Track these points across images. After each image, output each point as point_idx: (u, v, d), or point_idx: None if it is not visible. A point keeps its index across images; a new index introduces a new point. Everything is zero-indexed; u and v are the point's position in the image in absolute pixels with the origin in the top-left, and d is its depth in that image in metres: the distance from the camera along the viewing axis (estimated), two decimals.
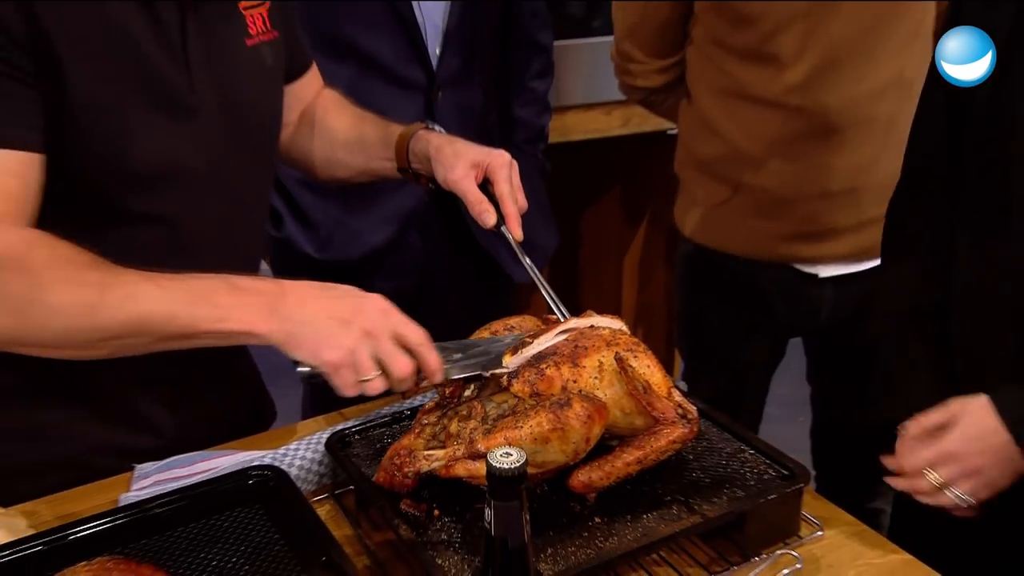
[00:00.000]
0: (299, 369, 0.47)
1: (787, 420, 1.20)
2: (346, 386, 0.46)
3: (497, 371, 0.51)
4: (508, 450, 0.31)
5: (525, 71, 1.09)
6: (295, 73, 0.70)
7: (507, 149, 0.66)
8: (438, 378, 0.49)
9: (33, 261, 0.45)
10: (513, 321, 0.59)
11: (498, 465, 0.30)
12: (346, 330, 0.45)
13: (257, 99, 0.61)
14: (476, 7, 0.97)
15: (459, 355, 0.53)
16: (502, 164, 0.61)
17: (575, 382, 0.47)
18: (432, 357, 0.48)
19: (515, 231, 0.60)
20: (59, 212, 0.50)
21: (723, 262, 0.94)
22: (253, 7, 0.59)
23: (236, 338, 0.48)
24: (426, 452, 0.48)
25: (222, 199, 0.58)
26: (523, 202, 0.62)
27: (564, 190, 1.30)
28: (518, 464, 0.30)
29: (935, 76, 0.60)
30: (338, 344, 0.45)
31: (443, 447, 0.49)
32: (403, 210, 0.97)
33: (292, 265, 1.00)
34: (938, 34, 0.65)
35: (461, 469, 0.47)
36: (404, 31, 0.92)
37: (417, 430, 0.52)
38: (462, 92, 0.98)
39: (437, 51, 0.95)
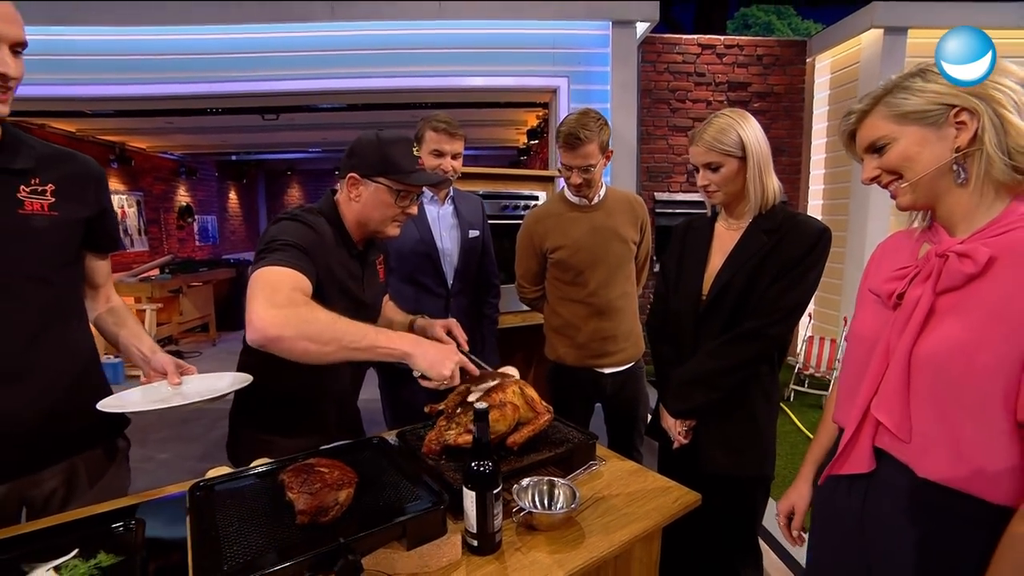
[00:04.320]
0: (419, 376, 1.08)
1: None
2: (441, 383, 1.05)
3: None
4: (482, 405, 1.02)
5: (488, 292, 2.12)
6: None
7: (482, 320, 1.74)
8: (476, 372, 1.14)
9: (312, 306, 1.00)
10: (475, 380, 1.31)
11: (479, 408, 1.00)
12: (447, 359, 1.05)
13: (378, 305, 1.37)
14: (467, 264, 1.98)
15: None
16: (455, 325, 1.38)
17: (504, 396, 1.20)
18: (470, 368, 1.11)
19: (463, 347, 1.31)
20: None
21: (562, 367, 1.90)
22: (380, 264, 1.40)
23: (395, 356, 1.00)
24: (446, 434, 1.16)
25: None
26: (464, 339, 1.36)
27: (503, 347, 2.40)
28: (484, 408, 1.00)
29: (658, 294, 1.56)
30: (445, 365, 1.03)
31: (452, 432, 1.17)
32: None
33: (383, 368, 1.93)
34: (634, 278, 1.88)
35: (461, 440, 1.15)
36: (435, 273, 1.92)
37: (438, 429, 1.19)
38: (462, 299, 1.98)
39: (450, 281, 1.93)
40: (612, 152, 1.82)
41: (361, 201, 1.24)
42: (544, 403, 1.24)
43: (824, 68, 4.94)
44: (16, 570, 0.79)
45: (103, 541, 0.88)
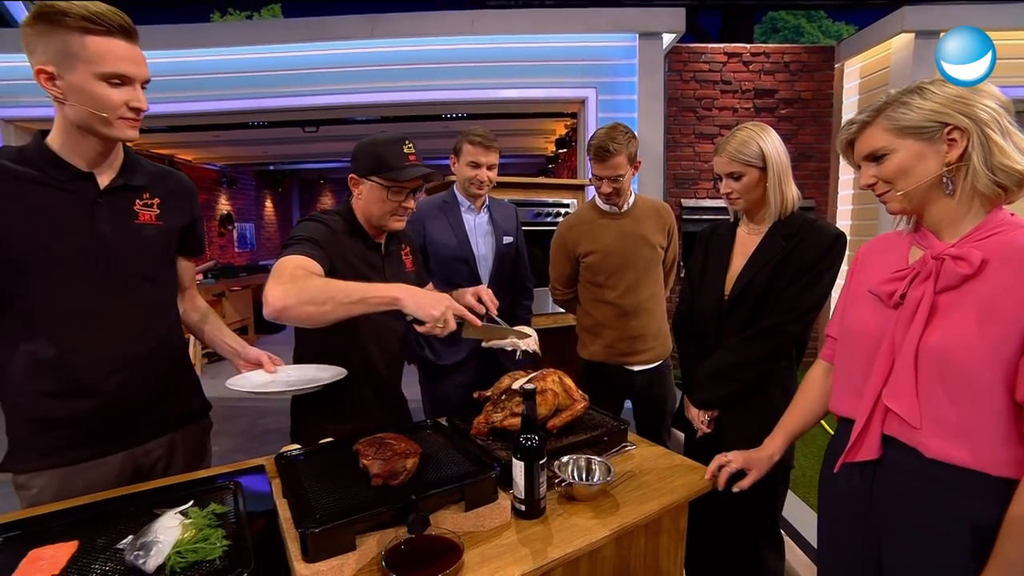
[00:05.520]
0: (412, 321, 1.10)
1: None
2: (433, 327, 1.07)
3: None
4: (531, 386, 1.15)
5: (521, 295, 2.26)
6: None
7: (515, 321, 1.85)
8: (477, 324, 1.19)
9: (310, 277, 1.14)
10: (518, 373, 1.45)
11: (528, 387, 1.13)
12: (439, 302, 1.07)
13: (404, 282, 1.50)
14: (500, 269, 2.13)
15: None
16: (485, 291, 1.37)
17: (544, 384, 1.33)
18: (470, 318, 1.16)
19: (492, 312, 1.33)
20: None
21: (594, 365, 2.01)
22: (406, 257, 1.53)
23: (385, 303, 1.05)
24: (493, 416, 1.30)
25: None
26: (494, 305, 1.34)
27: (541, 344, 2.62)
28: (532, 388, 1.13)
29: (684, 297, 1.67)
30: (435, 307, 1.06)
31: (499, 415, 1.31)
32: (466, 349, 2.08)
33: (422, 365, 2.11)
34: (663, 281, 2.02)
35: (507, 422, 1.28)
36: (471, 276, 2.07)
37: (485, 412, 1.33)
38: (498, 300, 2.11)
39: (485, 284, 2.01)
40: (640, 163, 1.95)
41: (363, 198, 1.39)
42: (580, 391, 1.37)
43: (853, 73, 4.96)
44: (150, 513, 0.97)
45: (212, 496, 1.05)
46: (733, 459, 1.22)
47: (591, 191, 2.19)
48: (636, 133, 1.93)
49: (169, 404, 1.27)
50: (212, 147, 7.54)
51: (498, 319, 1.32)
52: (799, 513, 2.61)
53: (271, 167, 10.26)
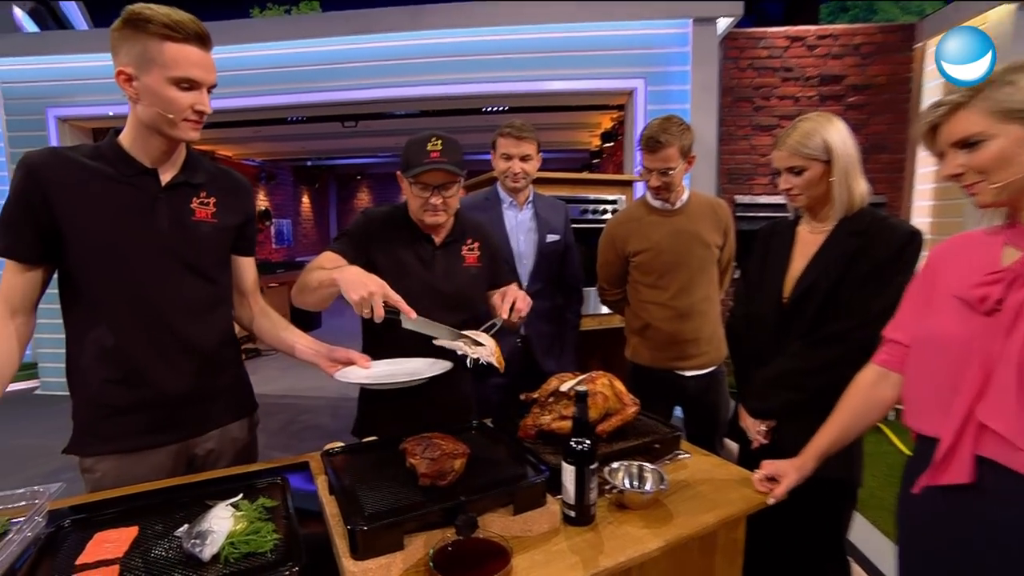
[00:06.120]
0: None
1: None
2: (360, 311, 1.16)
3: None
4: (583, 388, 1.17)
5: (570, 296, 2.26)
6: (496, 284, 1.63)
7: (562, 327, 2.01)
8: (412, 316, 1.21)
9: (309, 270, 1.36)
10: (565, 375, 1.46)
11: (580, 390, 1.15)
12: (363, 285, 1.15)
13: (465, 290, 1.52)
14: (542, 268, 2.14)
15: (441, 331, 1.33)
16: (512, 291, 1.41)
17: (594, 387, 1.34)
18: (404, 309, 1.19)
19: (501, 315, 1.38)
20: None
21: (642, 369, 2.02)
22: (469, 255, 1.57)
23: (330, 285, 1.23)
24: (541, 419, 1.32)
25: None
26: (504, 308, 1.38)
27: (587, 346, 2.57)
28: (584, 390, 1.15)
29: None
30: (355, 290, 1.15)
31: (547, 417, 1.32)
32: (508, 347, 2.07)
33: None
34: (718, 282, 2.00)
35: (555, 425, 1.30)
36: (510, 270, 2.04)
37: (532, 414, 1.35)
38: (540, 301, 2.07)
39: (525, 283, 2.07)
40: (695, 158, 1.93)
41: (405, 194, 1.50)
42: (631, 396, 1.37)
43: None
44: (202, 503, 1.03)
45: (261, 490, 1.12)
46: (764, 467, 1.19)
47: (640, 188, 2.18)
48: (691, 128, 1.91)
49: (220, 399, 1.35)
50: (251, 143, 7.86)
51: (494, 324, 1.40)
52: (868, 537, 2.52)
53: (309, 163, 10.61)
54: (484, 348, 1.31)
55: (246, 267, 1.48)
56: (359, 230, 1.50)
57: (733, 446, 1.74)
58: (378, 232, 1.51)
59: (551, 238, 2.21)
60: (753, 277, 1.62)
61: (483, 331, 1.36)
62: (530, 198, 2.22)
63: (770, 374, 1.49)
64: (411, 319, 1.23)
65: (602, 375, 1.39)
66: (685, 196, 1.98)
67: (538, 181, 2.26)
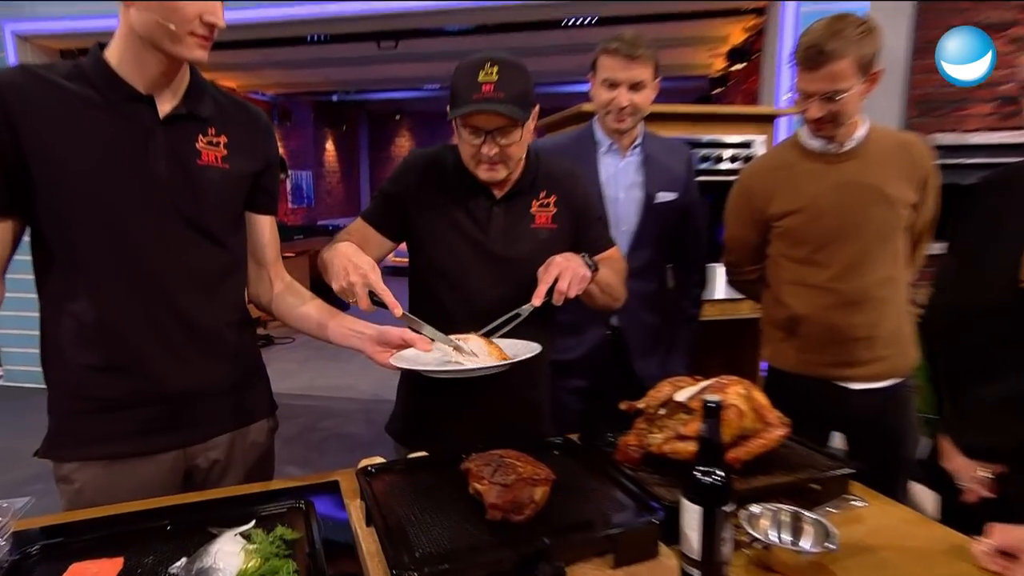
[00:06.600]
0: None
1: None
2: (349, 300, 1.26)
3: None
4: (715, 398, 1.10)
5: (688, 276, 2.24)
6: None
7: (672, 317, 1.88)
8: (396, 312, 1.27)
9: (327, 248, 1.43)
10: (681, 380, 1.40)
11: (711, 402, 1.07)
12: (341, 273, 1.24)
13: (531, 259, 1.47)
14: (648, 237, 2.11)
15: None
16: (561, 262, 1.38)
17: (725, 397, 1.26)
18: (389, 300, 1.25)
19: (537, 299, 1.37)
20: None
21: (786, 378, 1.93)
22: (541, 212, 1.54)
23: (323, 268, 1.37)
24: (649, 438, 1.27)
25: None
26: (564, 290, 1.35)
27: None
28: (717, 401, 1.08)
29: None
30: (335, 278, 1.26)
31: (658, 436, 1.27)
32: (593, 340, 2.10)
33: None
34: (907, 256, 1.72)
35: (668, 447, 1.25)
36: None
37: (636, 432, 1.30)
38: (641, 282, 2.03)
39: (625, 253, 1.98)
40: (879, 74, 1.78)
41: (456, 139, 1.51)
42: (778, 413, 1.30)
43: None
44: (205, 532, 1.05)
45: (279, 517, 1.13)
46: (994, 534, 1.10)
47: (785, 128, 2.04)
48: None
49: (232, 395, 1.39)
50: (260, 70, 8.13)
51: (500, 329, 1.44)
52: None
53: (334, 97, 10.89)
54: (474, 355, 1.36)
55: (265, 229, 1.50)
56: (393, 184, 1.56)
57: (926, 494, 1.62)
58: (417, 184, 1.54)
59: (665, 196, 2.13)
60: (967, 251, 1.51)
61: (502, 323, 1.42)
62: (638, 141, 2.15)
63: (997, 395, 1.39)
64: (396, 315, 1.30)
65: (736, 382, 1.32)
66: (861, 133, 1.84)
67: (648, 118, 2.17)
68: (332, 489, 1.29)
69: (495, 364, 1.33)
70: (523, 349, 1.39)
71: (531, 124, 1.48)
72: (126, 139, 1.23)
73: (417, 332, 1.36)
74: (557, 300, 1.37)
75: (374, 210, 1.59)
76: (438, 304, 1.54)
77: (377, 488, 1.15)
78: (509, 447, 1.19)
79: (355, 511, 1.17)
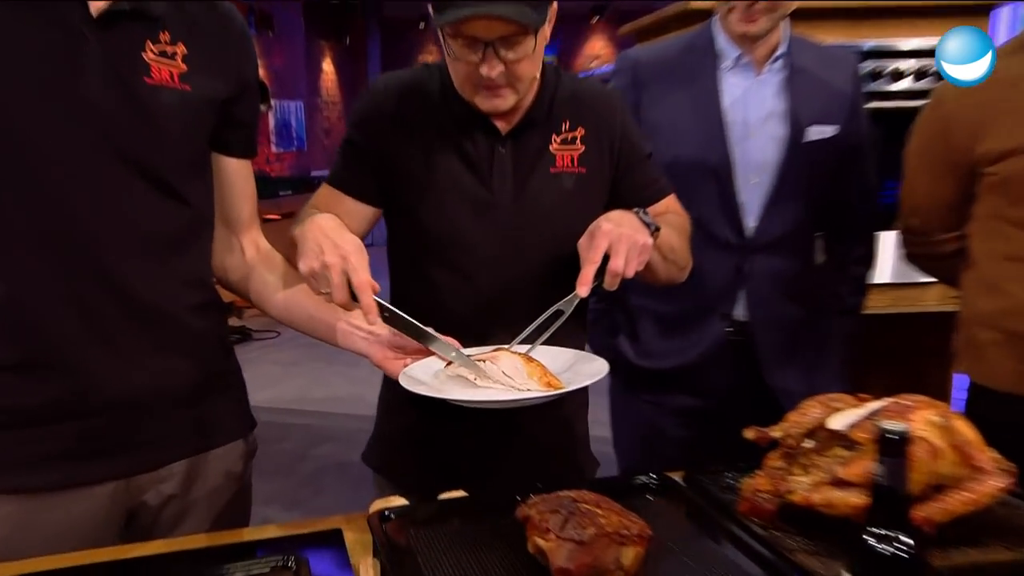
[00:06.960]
0: None
1: None
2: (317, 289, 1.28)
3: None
4: (896, 424, 1.05)
5: (847, 253, 2.21)
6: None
7: (824, 312, 1.90)
8: (370, 317, 1.25)
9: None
10: (838, 399, 1.35)
11: (893, 431, 1.03)
12: (315, 253, 1.22)
13: (551, 217, 1.47)
14: (793, 191, 2.08)
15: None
16: (610, 230, 1.33)
17: (913, 425, 1.21)
18: (365, 300, 1.22)
19: (582, 286, 1.34)
20: None
21: (997, 398, 1.86)
22: (564, 150, 1.52)
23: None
24: (791, 482, 1.23)
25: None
26: (620, 270, 1.31)
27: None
28: (902, 431, 1.03)
29: None
30: (306, 259, 1.24)
31: (803, 480, 1.23)
32: (706, 341, 2.07)
33: (615, 366, 1.94)
34: None
35: (818, 497, 1.20)
36: (723, 205, 2.05)
37: (769, 471, 1.27)
38: (775, 259, 2.06)
39: (751, 222, 2.03)
40: None
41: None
42: (995, 454, 1.25)
43: None
44: None
45: None
46: None
47: (1013, 20, 1.95)
48: None
49: (191, 406, 1.41)
50: None
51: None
52: None
53: None
54: (494, 381, 1.34)
55: (238, 177, 1.53)
56: (359, 127, 1.60)
57: None
58: (391, 121, 1.56)
59: (820, 131, 2.09)
60: None
61: (540, 327, 1.43)
62: (781, 50, 2.11)
63: None
64: (370, 322, 1.31)
65: (927, 405, 1.27)
66: None
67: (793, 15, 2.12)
68: (333, 541, 1.29)
69: (546, 394, 1.31)
70: (572, 364, 1.40)
71: (547, 29, 1.46)
72: (46, 48, 1.23)
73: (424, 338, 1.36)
74: (611, 284, 1.34)
75: (342, 168, 1.62)
76: (428, 290, 1.55)
77: (398, 541, 1.16)
78: (565, 486, 1.18)
79: (365, 572, 1.16)
